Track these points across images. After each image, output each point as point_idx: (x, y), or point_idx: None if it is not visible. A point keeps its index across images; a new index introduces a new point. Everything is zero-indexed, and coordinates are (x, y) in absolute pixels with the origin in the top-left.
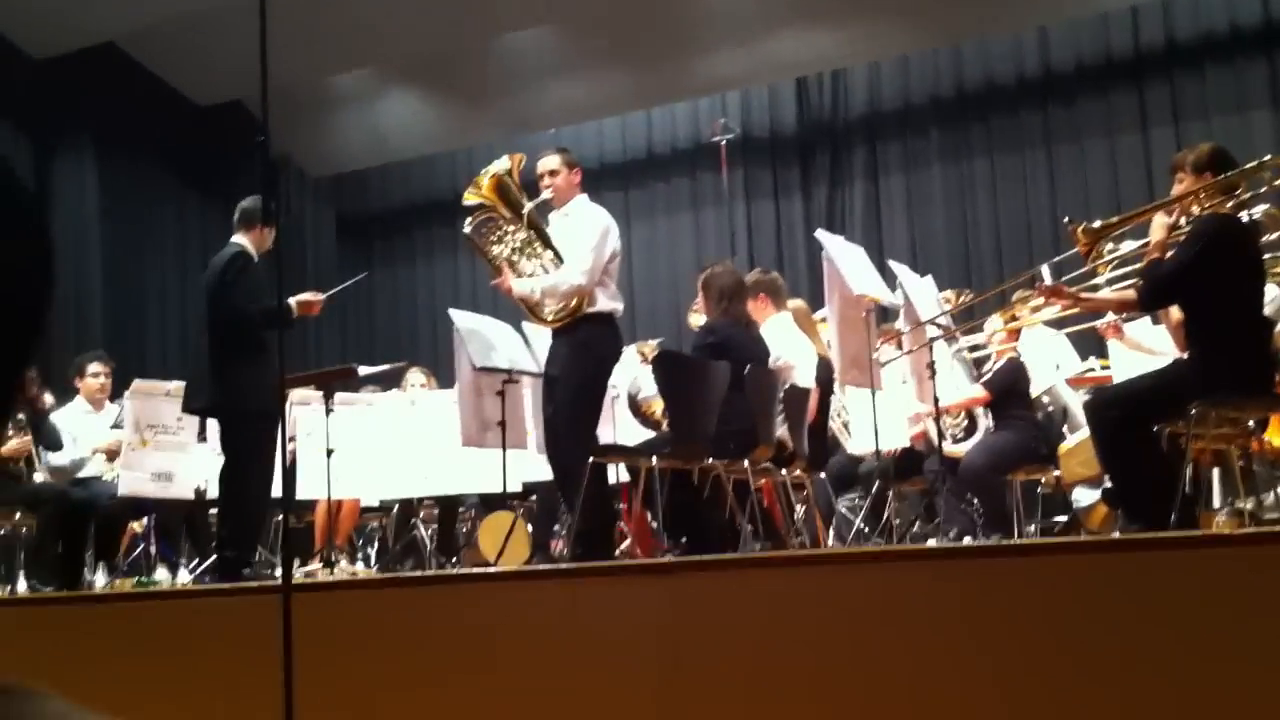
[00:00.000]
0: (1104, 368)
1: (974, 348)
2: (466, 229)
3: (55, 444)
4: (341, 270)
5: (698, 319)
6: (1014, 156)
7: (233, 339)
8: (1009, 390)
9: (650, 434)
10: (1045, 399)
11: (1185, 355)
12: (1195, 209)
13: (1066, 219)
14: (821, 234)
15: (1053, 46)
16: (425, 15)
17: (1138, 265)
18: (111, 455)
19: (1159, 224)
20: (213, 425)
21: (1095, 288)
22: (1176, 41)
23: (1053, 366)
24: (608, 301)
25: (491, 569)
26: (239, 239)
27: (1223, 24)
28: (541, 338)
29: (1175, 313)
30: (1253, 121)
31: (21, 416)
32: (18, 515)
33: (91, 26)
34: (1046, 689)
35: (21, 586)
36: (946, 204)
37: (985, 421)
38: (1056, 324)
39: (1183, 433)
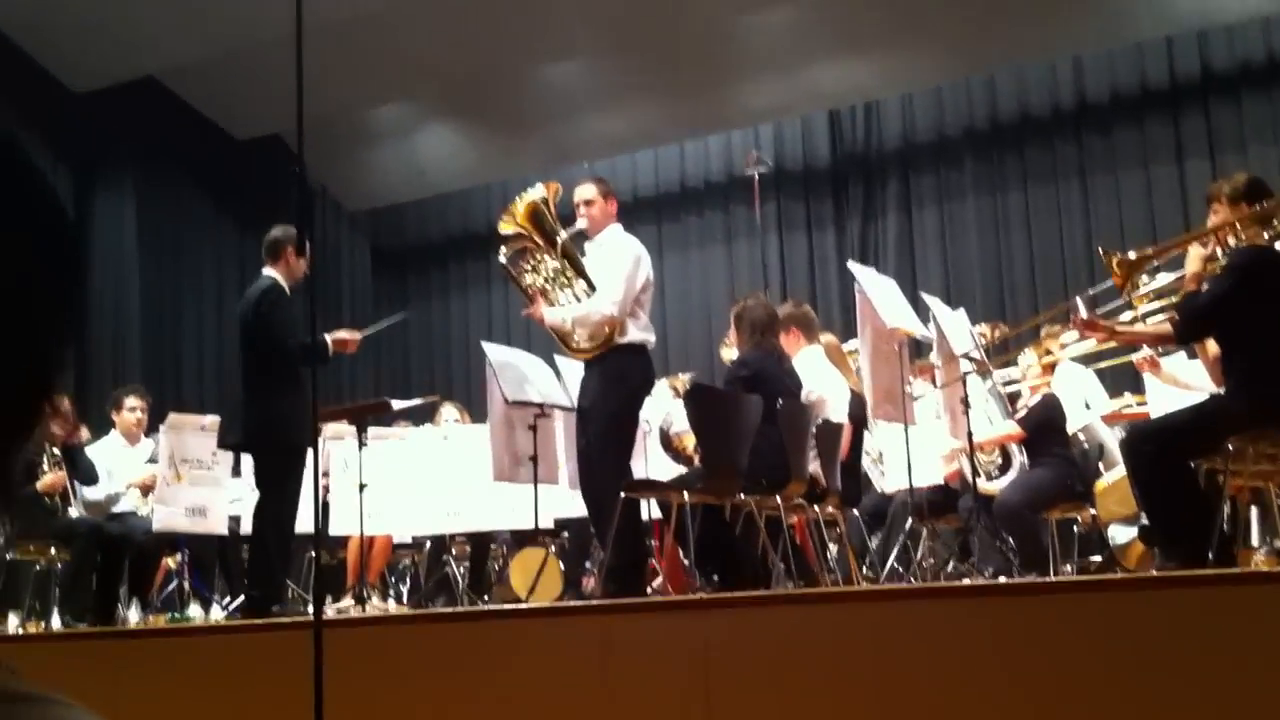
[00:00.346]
0: (1140, 404)
1: (1008, 382)
2: (501, 257)
3: (90, 478)
4: (377, 304)
5: (730, 353)
6: (1048, 188)
7: (267, 373)
8: (1044, 426)
9: (682, 469)
10: (1081, 436)
11: (1222, 390)
12: (1231, 240)
13: (1101, 250)
14: (854, 266)
15: (1088, 76)
16: (462, 48)
17: (1173, 299)
18: (146, 490)
19: (1195, 255)
20: (247, 460)
21: (1131, 321)
22: (1212, 71)
23: (1082, 403)
24: (639, 332)
25: (523, 605)
26: (269, 271)
27: (1259, 54)
28: (574, 372)
29: (1212, 347)
30: None
31: (57, 451)
32: (52, 550)
33: (132, 60)
34: None
35: (55, 621)
36: (980, 236)
37: (1020, 458)
38: (1093, 358)
39: (1220, 469)
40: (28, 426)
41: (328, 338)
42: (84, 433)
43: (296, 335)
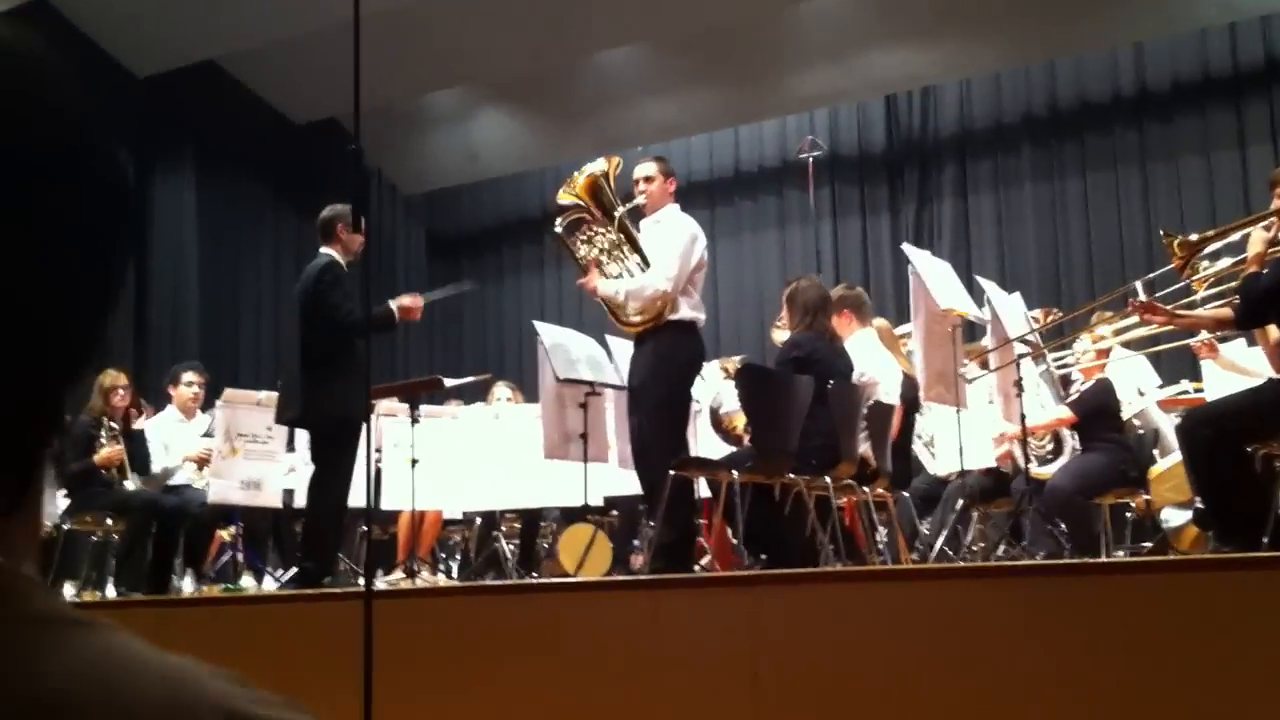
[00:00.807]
0: (1197, 390)
1: (1061, 367)
2: (557, 227)
3: (144, 466)
4: (431, 287)
5: (781, 335)
6: (1108, 175)
7: (324, 350)
8: (1098, 411)
9: (732, 449)
10: (1136, 421)
11: None
12: None
13: (1162, 231)
14: (908, 248)
15: (1149, 63)
16: (517, 35)
17: (1234, 284)
18: (202, 463)
19: (1257, 238)
20: (301, 435)
21: (1191, 306)
22: (1276, 58)
23: (1135, 389)
24: (690, 310)
25: (571, 579)
26: (325, 250)
27: None
28: (625, 352)
29: (1274, 332)
30: None
31: (115, 425)
32: (109, 521)
33: (193, 45)
34: (1131, 708)
35: (110, 592)
36: (1038, 222)
37: (1072, 443)
38: (1148, 342)
39: (1278, 454)
40: (80, 375)
41: (392, 304)
42: (141, 416)
43: (356, 308)
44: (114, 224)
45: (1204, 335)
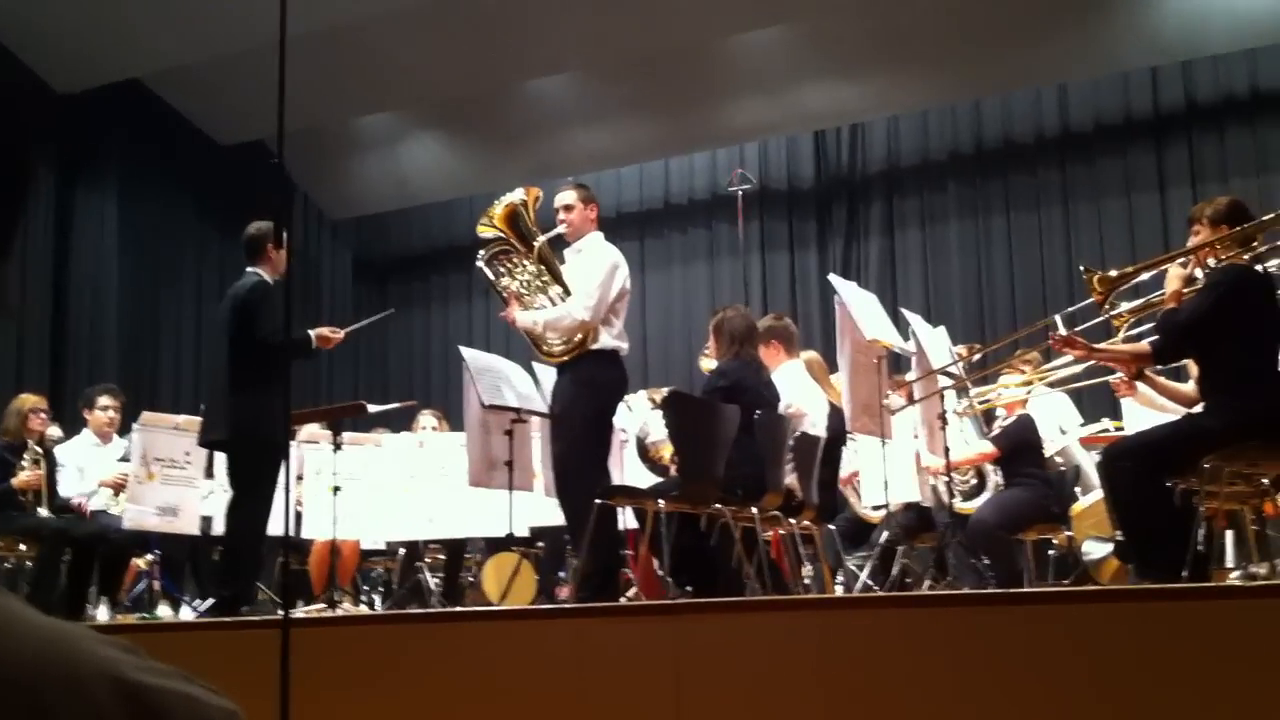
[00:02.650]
0: (1117, 428)
1: (983, 402)
2: (479, 260)
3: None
4: (358, 312)
5: (709, 364)
6: (1031, 213)
7: (250, 369)
8: (1020, 447)
9: (658, 480)
10: (1058, 458)
11: (1201, 409)
12: (1211, 261)
13: (1083, 267)
14: (835, 278)
15: (1072, 104)
16: (449, 60)
17: (1153, 324)
18: (117, 489)
19: (1175, 274)
20: (221, 460)
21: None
22: (1196, 102)
23: (1056, 427)
24: (612, 339)
25: (496, 608)
26: (253, 269)
27: (1243, 86)
28: (551, 379)
29: (1192, 367)
30: (1272, 184)
31: (39, 449)
32: (21, 546)
33: (117, 63)
34: None
35: None
36: (962, 259)
37: (995, 478)
38: (1071, 379)
39: (1196, 488)
40: None
41: (311, 333)
42: (54, 430)
43: (279, 330)
44: None
45: (1121, 373)
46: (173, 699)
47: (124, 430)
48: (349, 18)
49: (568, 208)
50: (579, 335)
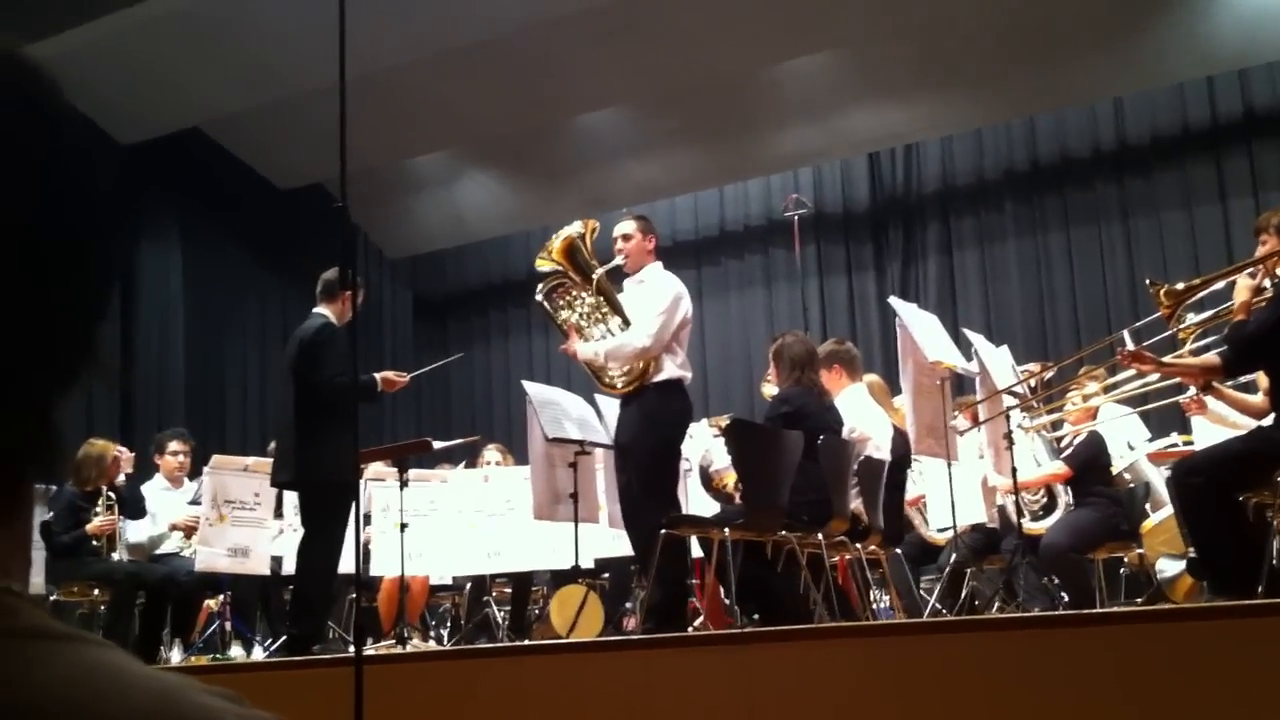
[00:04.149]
0: (1186, 443)
1: (1054, 424)
2: (539, 295)
3: (138, 511)
4: (418, 351)
5: (770, 389)
6: (1090, 229)
7: (317, 411)
8: (1090, 466)
9: (723, 507)
10: (1127, 475)
11: (1271, 421)
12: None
13: (1149, 280)
14: (895, 300)
15: (1128, 118)
16: (501, 98)
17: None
18: (189, 532)
19: (1243, 286)
20: (290, 500)
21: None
22: (1255, 111)
23: (1124, 444)
24: (675, 369)
25: (564, 641)
26: (321, 309)
27: None
28: (614, 411)
29: (1263, 380)
30: None
31: (112, 495)
32: (95, 592)
33: (177, 112)
34: None
35: None
36: (1022, 278)
37: (1065, 498)
38: (1137, 399)
39: (1270, 502)
40: (69, 383)
41: (377, 376)
42: (126, 463)
43: (346, 373)
44: (99, 228)
45: (1191, 392)
46: None
47: (194, 474)
48: (401, 61)
49: (626, 237)
50: (640, 364)
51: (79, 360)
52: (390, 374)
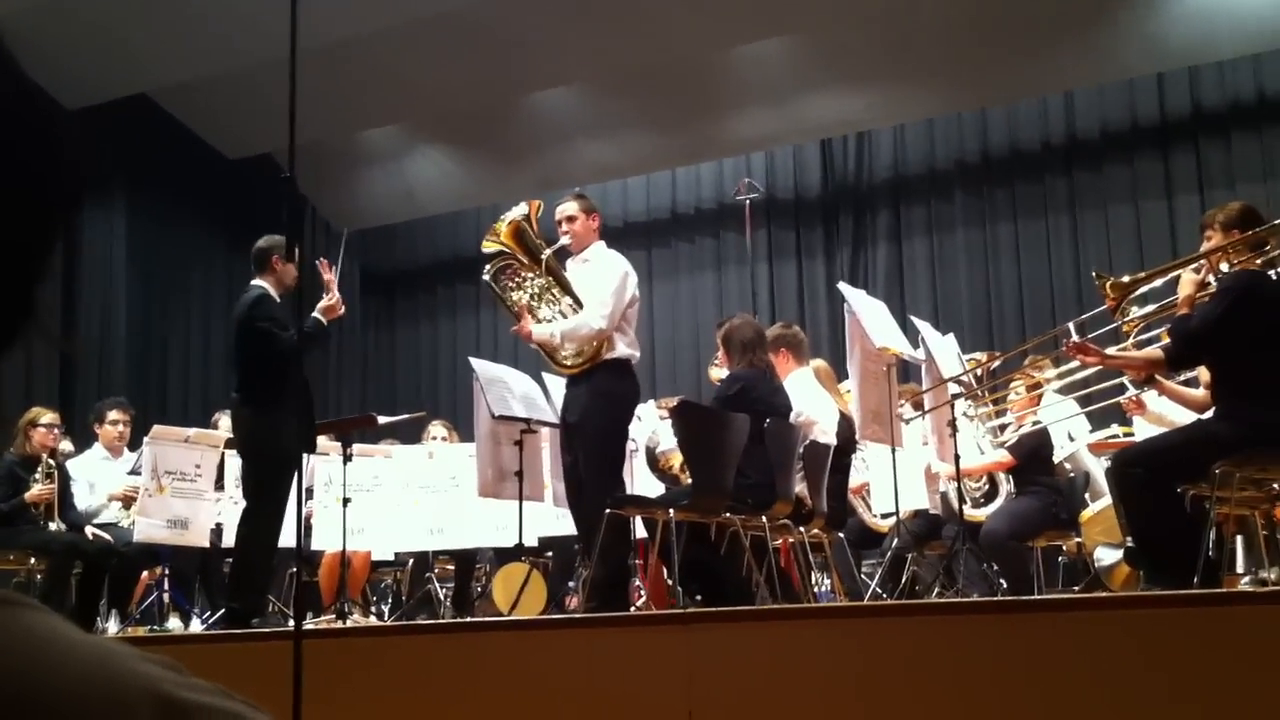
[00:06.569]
0: (1126, 434)
1: (998, 413)
2: (486, 276)
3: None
4: (364, 325)
5: (719, 373)
6: (1038, 221)
7: (259, 382)
8: (1032, 455)
9: (668, 489)
10: (1067, 465)
11: (1211, 415)
12: (1224, 266)
13: (1095, 273)
14: (844, 287)
15: (1078, 112)
16: (454, 74)
17: (1162, 329)
18: (127, 502)
19: (1187, 280)
20: (231, 473)
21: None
22: (1203, 109)
23: (1065, 434)
24: (625, 348)
25: (505, 618)
26: (257, 282)
27: (1250, 92)
28: (561, 389)
29: (1204, 374)
30: (1279, 190)
31: (51, 463)
32: (32, 560)
33: (125, 78)
34: None
35: None
36: (970, 267)
37: (1006, 486)
38: (1078, 387)
39: (1207, 494)
40: (6, 337)
41: (315, 315)
42: (66, 445)
43: (290, 335)
44: (42, 186)
45: (1131, 392)
46: (217, 717)
47: (134, 444)
48: (354, 33)
49: (570, 219)
50: (594, 344)
51: (16, 319)
52: (322, 302)
